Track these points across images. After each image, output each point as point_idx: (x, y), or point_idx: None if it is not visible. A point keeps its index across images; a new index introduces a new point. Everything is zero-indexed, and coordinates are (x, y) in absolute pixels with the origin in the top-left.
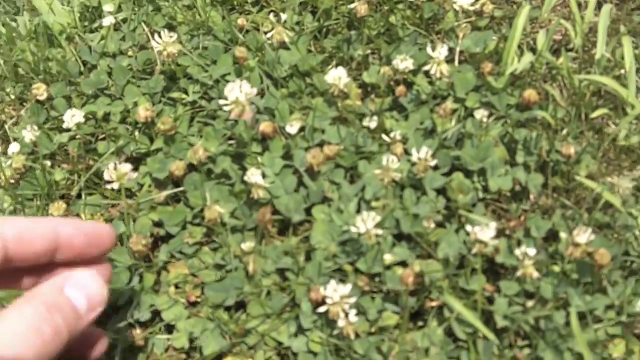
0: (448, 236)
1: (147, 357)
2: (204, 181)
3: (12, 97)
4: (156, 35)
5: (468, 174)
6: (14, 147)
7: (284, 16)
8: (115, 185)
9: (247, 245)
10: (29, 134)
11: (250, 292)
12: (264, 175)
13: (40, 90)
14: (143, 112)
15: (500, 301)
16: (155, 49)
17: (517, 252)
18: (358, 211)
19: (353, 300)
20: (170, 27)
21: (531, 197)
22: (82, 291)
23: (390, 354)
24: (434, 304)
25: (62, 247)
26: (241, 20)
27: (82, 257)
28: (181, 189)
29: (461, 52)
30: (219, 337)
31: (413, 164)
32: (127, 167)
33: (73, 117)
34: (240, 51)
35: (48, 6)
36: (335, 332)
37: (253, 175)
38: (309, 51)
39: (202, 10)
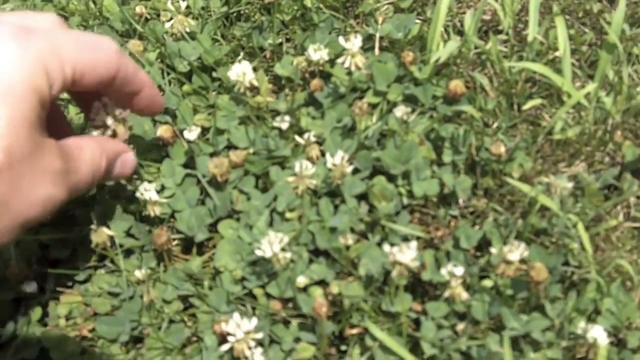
0: (370, 250)
1: None
2: (94, 196)
3: None
4: None
5: (391, 177)
6: None
7: (184, 2)
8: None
9: (143, 272)
10: None
11: (148, 323)
12: (162, 188)
13: None
14: None
15: (428, 325)
16: None
17: (443, 271)
18: (270, 225)
19: (260, 335)
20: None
21: (460, 201)
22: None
23: None
24: (354, 331)
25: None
26: (139, 8)
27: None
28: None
29: (381, 38)
30: None
31: (329, 170)
32: None
33: None
34: (135, 45)
35: None
36: None
37: (147, 190)
38: (216, 41)
39: None
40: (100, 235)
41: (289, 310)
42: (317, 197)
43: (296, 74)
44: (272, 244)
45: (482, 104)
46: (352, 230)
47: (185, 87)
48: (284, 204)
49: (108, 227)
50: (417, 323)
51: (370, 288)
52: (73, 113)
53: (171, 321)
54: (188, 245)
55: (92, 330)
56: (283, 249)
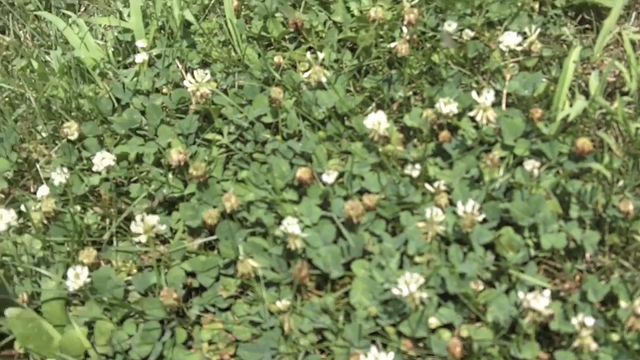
0: (498, 298)
1: None
2: (237, 230)
3: (44, 135)
4: (189, 75)
5: (518, 229)
6: (43, 190)
7: (321, 54)
8: (144, 238)
9: (283, 303)
10: (59, 176)
11: (286, 352)
12: (301, 225)
13: (71, 130)
14: (176, 155)
15: None
16: (188, 88)
17: (574, 321)
18: (401, 267)
19: None
20: (205, 64)
21: (587, 255)
22: None
23: None
24: None
25: None
26: (278, 58)
27: None
28: (214, 237)
29: (508, 94)
30: None
31: (459, 218)
32: (154, 219)
33: (103, 159)
34: (276, 92)
35: (81, 41)
36: None
37: (290, 224)
38: (348, 91)
39: (238, 46)
40: (245, 266)
41: (419, 350)
42: (445, 243)
43: (425, 125)
44: (408, 284)
45: (608, 163)
46: (479, 277)
47: (321, 133)
48: (414, 248)
49: (252, 259)
50: None
51: (499, 334)
52: None
53: (307, 352)
54: (321, 282)
55: (233, 355)
56: (418, 289)
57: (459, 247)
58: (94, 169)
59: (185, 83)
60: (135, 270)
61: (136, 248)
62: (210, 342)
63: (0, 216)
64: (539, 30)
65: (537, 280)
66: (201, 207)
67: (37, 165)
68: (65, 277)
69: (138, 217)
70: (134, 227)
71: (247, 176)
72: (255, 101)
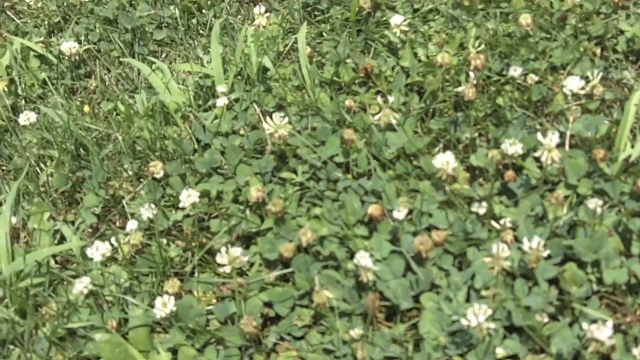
0: (562, 331)
1: None
2: (311, 263)
3: (130, 173)
4: (268, 118)
5: (581, 264)
6: (132, 225)
7: (390, 98)
8: (228, 269)
9: (356, 332)
10: (147, 211)
11: None
12: (372, 259)
13: (157, 169)
14: (255, 192)
15: None
16: (266, 130)
17: (635, 351)
18: (467, 300)
19: None
20: (280, 107)
21: None
22: None
23: None
24: None
25: None
26: (349, 102)
27: None
28: (290, 270)
29: (571, 136)
30: None
31: (524, 253)
32: (238, 251)
33: (189, 197)
34: (348, 134)
35: (165, 85)
36: None
37: (362, 258)
38: (415, 132)
39: (311, 91)
40: (321, 296)
41: None
42: (511, 278)
43: (491, 165)
44: (477, 315)
45: None
46: (543, 310)
47: (390, 172)
48: (481, 282)
49: (327, 290)
50: None
51: None
52: None
53: None
54: (390, 314)
55: None
56: (486, 320)
57: (524, 281)
58: (181, 205)
59: (264, 126)
60: (214, 300)
61: (217, 280)
62: None
63: (97, 247)
64: (601, 74)
65: (599, 313)
66: (278, 241)
67: (124, 202)
68: (151, 305)
69: (223, 249)
70: (219, 258)
71: (321, 212)
72: (328, 142)
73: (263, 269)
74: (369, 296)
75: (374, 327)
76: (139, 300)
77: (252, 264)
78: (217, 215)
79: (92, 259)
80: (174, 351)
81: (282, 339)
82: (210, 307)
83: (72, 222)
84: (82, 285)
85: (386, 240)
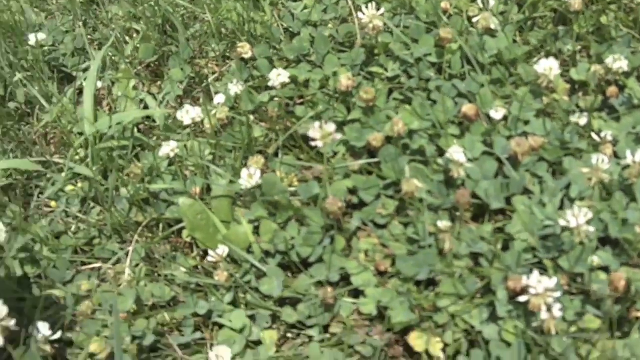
0: None
1: (332, 317)
2: (399, 155)
3: (216, 53)
4: (363, 7)
5: None
6: (219, 98)
7: (492, 2)
8: (320, 144)
9: (444, 223)
10: (235, 87)
11: (442, 270)
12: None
13: (245, 49)
14: (345, 81)
15: None
16: (361, 19)
17: None
18: (561, 208)
19: (558, 294)
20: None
21: None
22: None
23: (589, 357)
24: (639, 314)
25: None
26: (445, 4)
27: None
28: (375, 160)
29: None
30: (408, 310)
31: (624, 168)
32: (332, 127)
33: (279, 76)
34: (445, 32)
35: None
36: (534, 325)
37: (456, 152)
38: (514, 41)
39: None
40: (410, 185)
41: (575, 285)
42: (607, 193)
43: (593, 79)
44: (577, 217)
45: None
46: None
47: (485, 77)
48: (577, 192)
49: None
50: None
51: None
52: None
53: (460, 275)
54: (478, 214)
55: (388, 267)
56: (586, 223)
57: (622, 195)
58: (270, 84)
59: (359, 15)
60: (296, 183)
61: (301, 162)
62: (366, 253)
63: (187, 111)
64: None
65: None
66: (365, 130)
67: (208, 80)
68: (234, 178)
69: (317, 124)
70: (312, 132)
71: (412, 108)
72: (421, 41)
73: (347, 158)
74: (460, 190)
75: (461, 223)
76: (223, 171)
77: (335, 153)
78: (303, 102)
79: (175, 131)
80: (254, 225)
81: (364, 225)
82: (292, 189)
83: (155, 95)
84: (169, 148)
85: (479, 141)
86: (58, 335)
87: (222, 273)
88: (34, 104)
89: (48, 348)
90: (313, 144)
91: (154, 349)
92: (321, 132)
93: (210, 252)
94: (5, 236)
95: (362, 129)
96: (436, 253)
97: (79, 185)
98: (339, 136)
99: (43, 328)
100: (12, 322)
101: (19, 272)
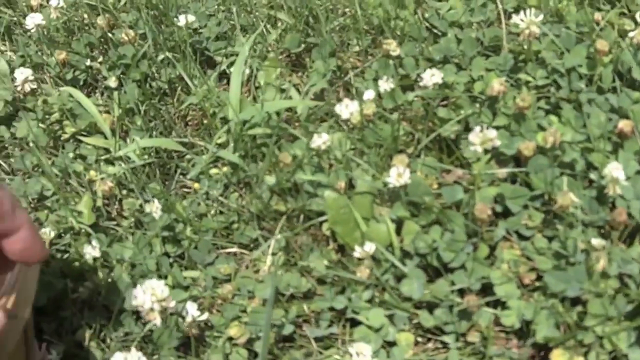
0: None
1: (470, 326)
2: (550, 166)
3: (360, 48)
4: (522, 13)
5: None
6: (369, 94)
7: None
8: (479, 148)
9: (598, 241)
10: (385, 84)
11: (590, 289)
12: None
13: (392, 46)
14: (497, 86)
15: None
16: (519, 25)
17: None
18: None
19: None
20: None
21: None
22: None
23: None
24: None
25: None
26: (597, 15)
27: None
28: (522, 169)
29: None
30: (553, 327)
31: None
32: (493, 133)
33: (432, 76)
34: (602, 44)
35: None
36: None
37: (615, 169)
38: None
39: None
40: (566, 199)
41: None
42: None
43: None
44: None
45: None
46: None
47: (637, 94)
48: None
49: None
50: None
51: None
52: None
53: (610, 295)
54: (628, 235)
55: (533, 281)
56: None
57: None
58: (422, 84)
59: (516, 20)
60: (435, 186)
61: (440, 165)
62: (509, 264)
63: (346, 105)
64: None
65: None
66: (515, 137)
67: (350, 75)
68: (378, 174)
69: (477, 127)
70: (472, 137)
71: (565, 118)
72: (573, 51)
73: (493, 165)
74: (617, 209)
75: (613, 242)
76: (368, 167)
77: (478, 159)
78: (446, 105)
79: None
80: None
81: (508, 234)
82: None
83: (296, 86)
84: (320, 140)
85: (633, 159)
86: (205, 316)
87: (365, 270)
88: (175, 85)
89: (194, 329)
90: (472, 148)
91: (289, 339)
92: (481, 137)
93: (356, 247)
94: (160, 214)
95: (511, 137)
96: (585, 270)
97: (224, 169)
98: (498, 142)
99: (191, 308)
100: (172, 303)
101: (159, 250)
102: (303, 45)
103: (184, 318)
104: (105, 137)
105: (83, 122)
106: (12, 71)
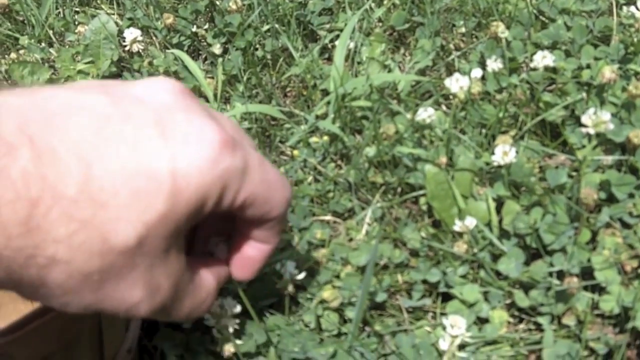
0: None
1: (567, 309)
2: None
3: (466, 29)
4: (638, 2)
5: None
6: (476, 73)
7: None
8: (591, 131)
9: None
10: (494, 64)
11: None
12: None
13: (500, 29)
14: (608, 73)
15: None
16: (633, 14)
17: None
18: None
19: None
20: (631, 2)
21: None
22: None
23: None
24: None
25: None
26: None
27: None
28: (627, 157)
29: None
30: None
31: None
32: (607, 115)
33: (544, 58)
34: None
35: None
36: None
37: None
38: None
39: None
40: None
41: None
42: None
43: None
44: None
45: None
46: None
47: None
48: None
49: None
50: None
51: None
52: None
53: None
54: None
55: (635, 268)
56: None
57: None
58: (532, 65)
59: (632, 10)
60: (536, 170)
61: (543, 148)
62: (610, 251)
63: (457, 79)
64: None
65: None
66: (624, 125)
67: (453, 56)
68: (479, 153)
69: (591, 110)
70: (584, 119)
71: None
72: None
73: (598, 150)
74: None
75: None
76: (471, 144)
77: (584, 145)
78: (552, 90)
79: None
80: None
81: (612, 220)
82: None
83: (398, 63)
84: (426, 114)
85: None
86: (302, 275)
87: (462, 245)
88: (277, 55)
89: (291, 287)
90: (584, 130)
91: (380, 306)
92: (594, 119)
93: (457, 221)
94: None
95: (620, 124)
96: None
97: (324, 138)
98: (612, 126)
99: (291, 267)
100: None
101: None
102: (407, 25)
103: (281, 276)
104: (207, 101)
105: (187, 85)
106: (119, 33)
